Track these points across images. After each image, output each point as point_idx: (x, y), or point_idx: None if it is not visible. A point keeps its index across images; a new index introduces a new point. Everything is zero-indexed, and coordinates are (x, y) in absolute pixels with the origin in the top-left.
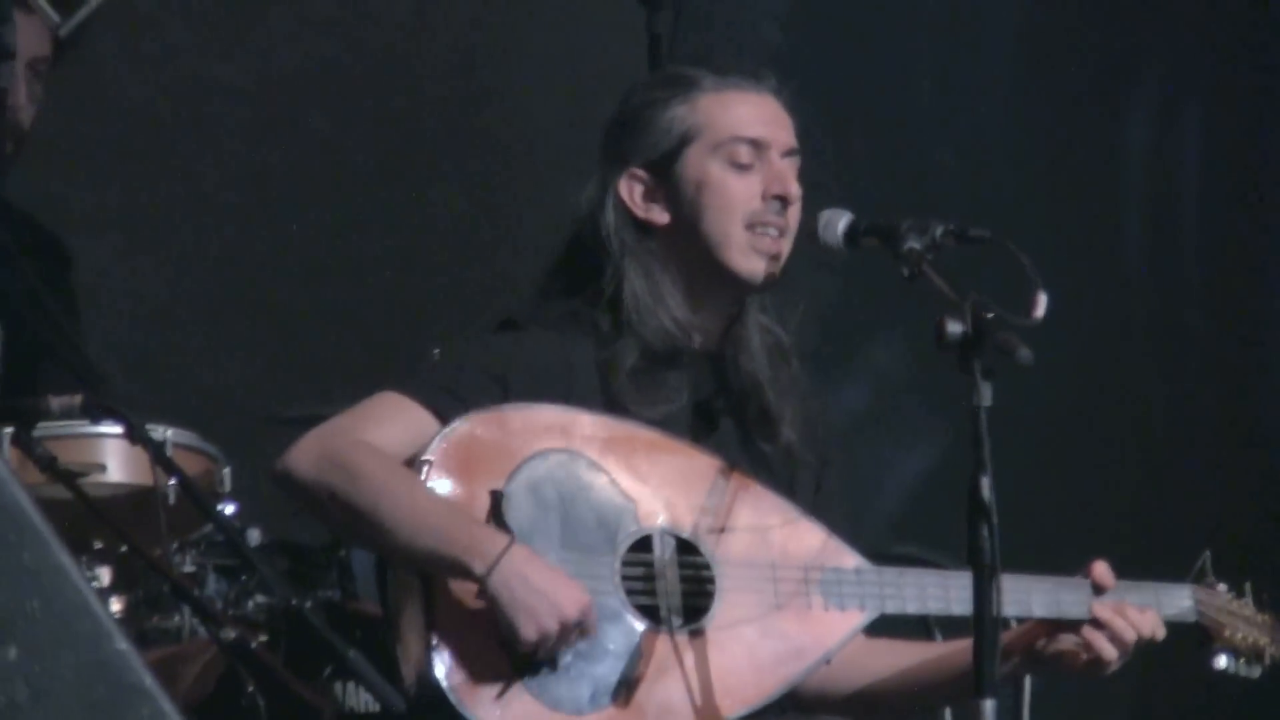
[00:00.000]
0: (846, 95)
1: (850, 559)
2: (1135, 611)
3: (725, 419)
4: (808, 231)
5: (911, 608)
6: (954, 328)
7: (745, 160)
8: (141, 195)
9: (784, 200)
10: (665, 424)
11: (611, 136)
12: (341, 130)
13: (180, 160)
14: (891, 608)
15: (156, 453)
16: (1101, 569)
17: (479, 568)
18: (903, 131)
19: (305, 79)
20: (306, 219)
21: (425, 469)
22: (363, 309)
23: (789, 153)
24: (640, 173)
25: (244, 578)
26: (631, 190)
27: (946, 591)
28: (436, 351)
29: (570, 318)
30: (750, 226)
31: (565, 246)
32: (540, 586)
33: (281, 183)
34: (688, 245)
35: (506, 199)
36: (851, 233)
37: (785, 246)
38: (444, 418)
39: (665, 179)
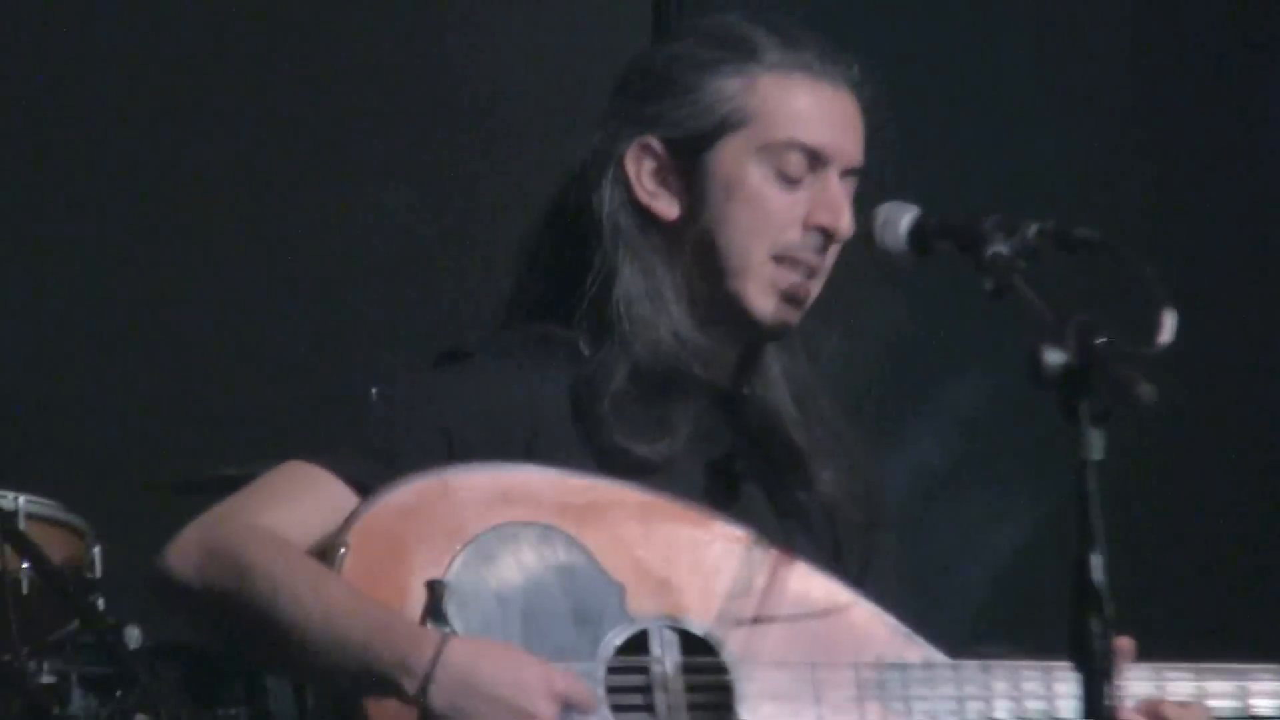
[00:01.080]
0: (914, 67)
1: (915, 650)
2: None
3: (747, 477)
4: (861, 233)
5: (1002, 712)
6: (1054, 358)
7: (796, 173)
8: None
9: (829, 236)
10: (663, 467)
11: (631, 88)
12: (249, 122)
13: (45, 155)
14: (975, 714)
15: (4, 527)
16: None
17: (410, 686)
18: (987, 117)
19: (202, 59)
20: (207, 226)
21: (341, 557)
22: (281, 341)
23: (850, 171)
24: (656, 146)
25: (120, 693)
26: (640, 165)
27: (1049, 686)
28: (375, 392)
29: (539, 341)
30: (779, 259)
31: (544, 220)
32: (496, 690)
33: (174, 181)
34: (695, 256)
35: (468, 204)
36: (919, 233)
37: (813, 290)
38: (366, 490)
39: (687, 166)
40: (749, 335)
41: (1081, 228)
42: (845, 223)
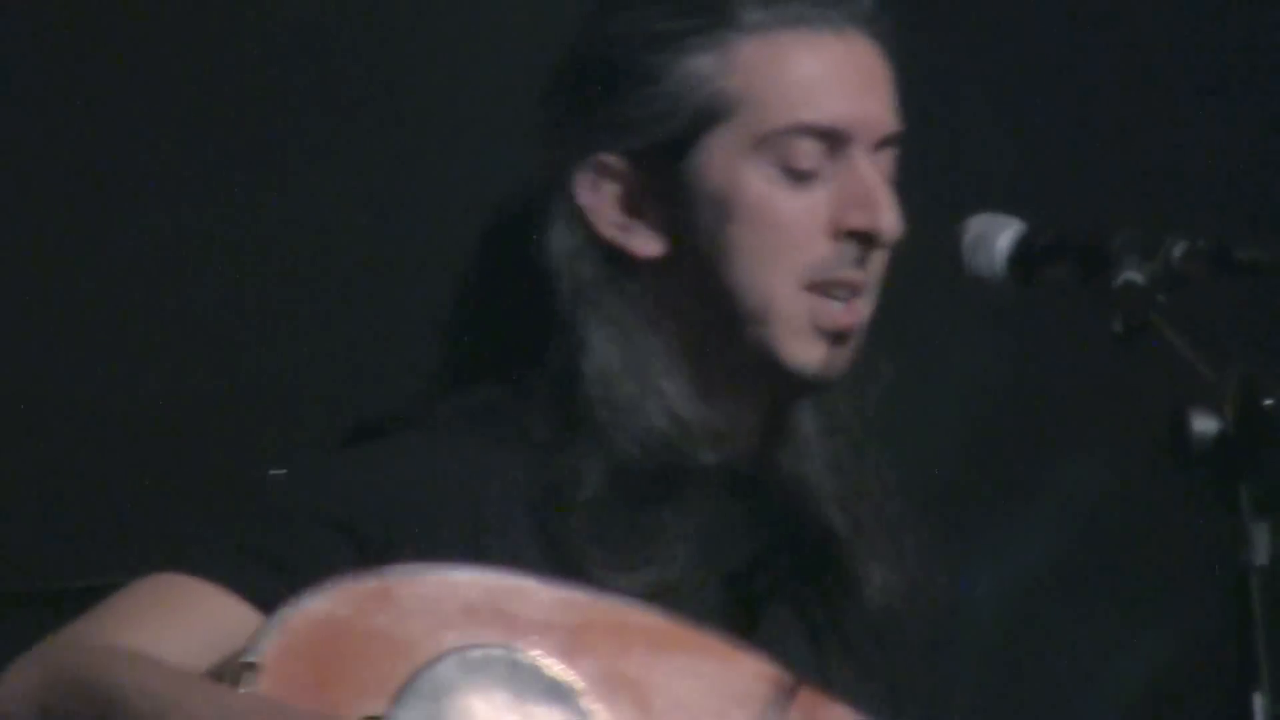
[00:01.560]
0: (982, 36)
1: None
2: None
3: (772, 590)
4: (947, 254)
5: None
6: (1204, 425)
7: (809, 164)
8: None
9: (870, 240)
10: (661, 601)
11: (569, 91)
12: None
13: None
14: None
15: None
16: None
17: None
18: (1082, 106)
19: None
20: (69, 236)
21: (249, 679)
22: (155, 410)
23: (885, 141)
24: (617, 164)
25: None
26: (599, 193)
27: None
28: (272, 478)
29: (482, 416)
30: (812, 286)
31: (479, 266)
32: None
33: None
34: (694, 303)
35: (410, 210)
36: (1022, 255)
37: (864, 313)
38: (262, 603)
39: (662, 183)
40: (783, 395)
41: (1246, 244)
42: (889, 218)
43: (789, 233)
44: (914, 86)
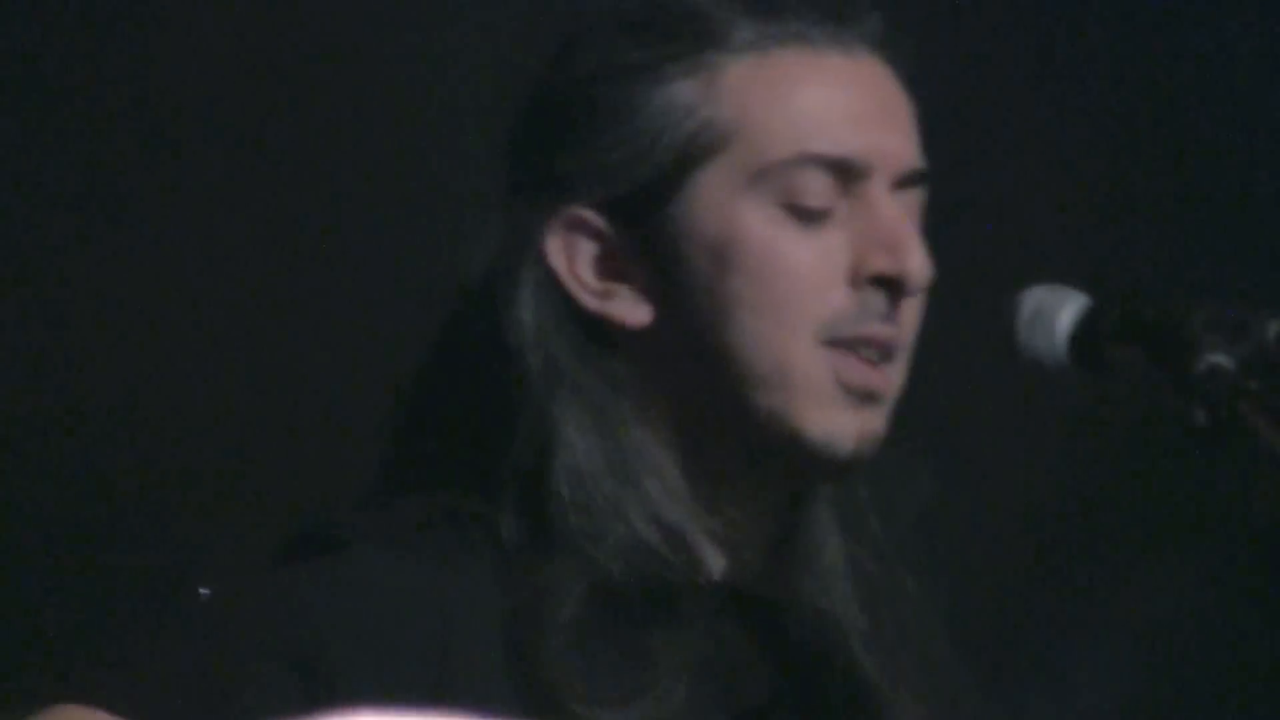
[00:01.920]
0: (1028, 62)
1: None
2: None
3: None
4: (999, 330)
5: None
6: None
7: (818, 202)
8: None
9: (897, 287)
10: None
11: (534, 136)
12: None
13: None
14: None
15: None
16: None
17: None
18: (1155, 150)
19: None
20: None
21: None
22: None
23: (907, 179)
24: (593, 220)
25: None
26: (572, 253)
27: None
28: (204, 595)
29: (445, 523)
30: (833, 343)
31: (437, 348)
32: None
33: None
34: (692, 376)
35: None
36: (1088, 334)
37: (895, 378)
38: None
39: (646, 236)
40: (803, 484)
41: None
42: (917, 259)
43: (801, 281)
44: (945, 125)
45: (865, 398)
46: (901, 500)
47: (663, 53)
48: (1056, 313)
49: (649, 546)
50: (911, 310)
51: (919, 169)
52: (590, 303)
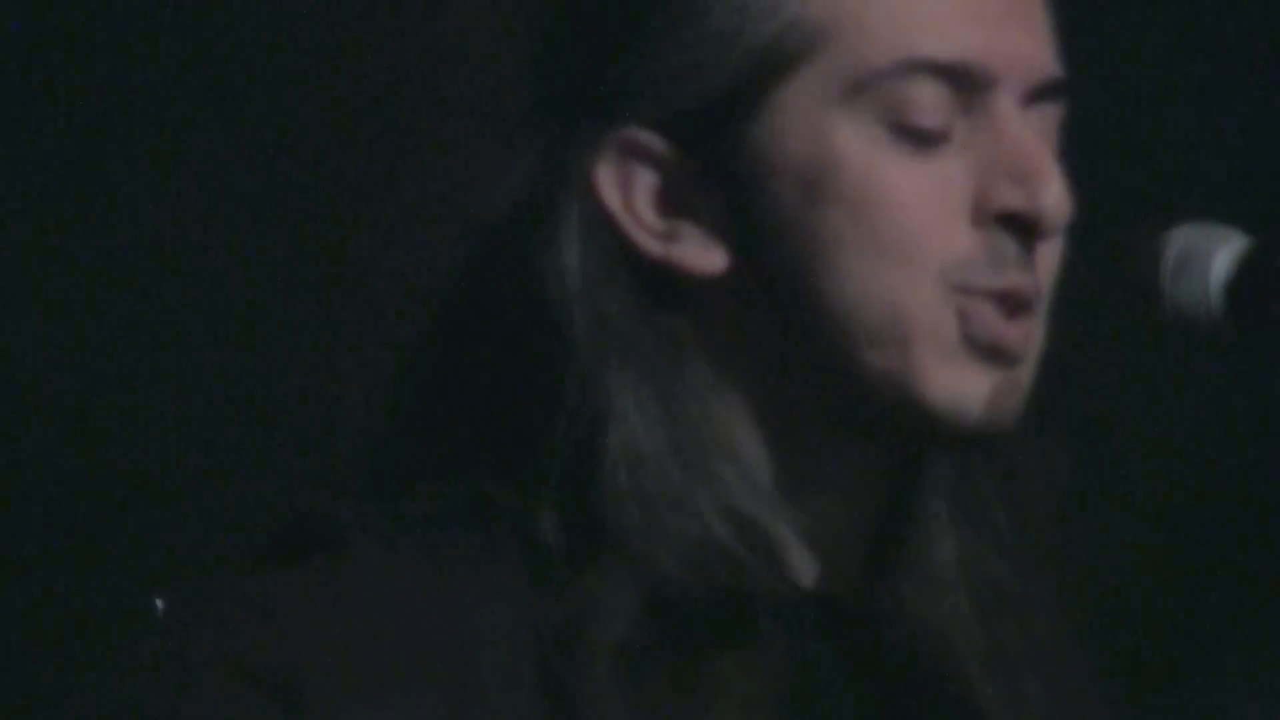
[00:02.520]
0: None
1: None
2: None
3: None
4: (1135, 279)
5: None
6: None
7: (932, 121)
8: None
9: (1031, 227)
10: None
11: (573, 48)
12: None
13: None
14: None
15: None
16: None
17: None
18: None
19: None
20: None
21: None
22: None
23: (1042, 91)
24: (653, 145)
25: None
26: (628, 187)
27: None
28: (160, 606)
29: (468, 520)
30: (960, 288)
31: (455, 306)
32: None
33: None
34: (777, 336)
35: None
36: (1249, 282)
37: (1036, 335)
38: None
39: (717, 161)
40: (921, 454)
41: None
42: (1054, 192)
43: (914, 216)
44: (1081, 33)
45: (1000, 355)
46: (1034, 491)
47: None
48: (1210, 257)
49: (722, 545)
50: (1050, 253)
51: (1056, 78)
52: (651, 246)
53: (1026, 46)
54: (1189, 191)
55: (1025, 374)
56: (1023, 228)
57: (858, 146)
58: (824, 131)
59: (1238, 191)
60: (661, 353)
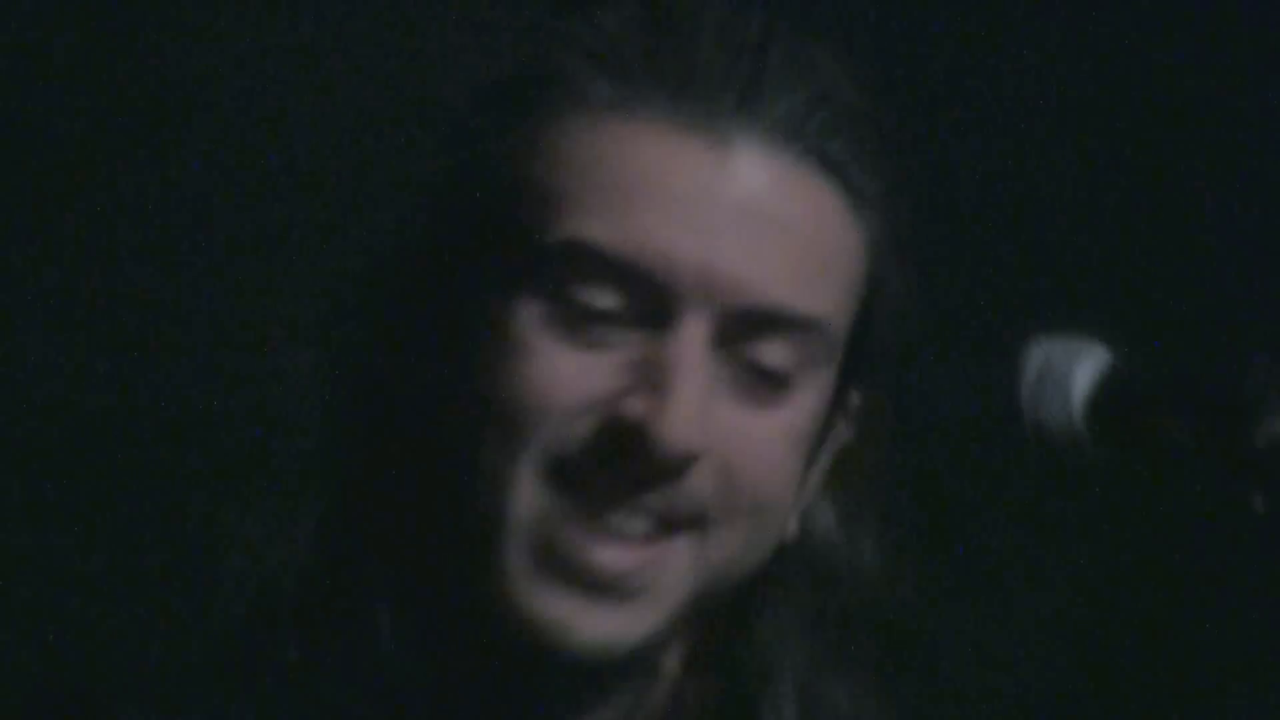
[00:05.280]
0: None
1: None
2: None
3: None
4: (997, 396)
5: None
6: None
7: (602, 303)
8: None
9: (637, 441)
10: None
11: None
12: None
13: None
14: None
15: None
16: None
17: None
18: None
19: None
20: None
21: None
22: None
23: (748, 319)
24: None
25: None
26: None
27: None
28: None
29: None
30: (558, 478)
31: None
32: None
33: None
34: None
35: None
36: (1111, 398)
37: (667, 559)
38: None
39: (438, 301)
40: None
41: None
42: (670, 419)
43: (538, 397)
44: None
45: (591, 580)
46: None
47: (510, 90)
48: (1071, 370)
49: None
50: (699, 483)
51: (770, 308)
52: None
53: (727, 262)
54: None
55: (646, 607)
56: (636, 443)
57: (528, 323)
58: (507, 295)
59: (1101, 295)
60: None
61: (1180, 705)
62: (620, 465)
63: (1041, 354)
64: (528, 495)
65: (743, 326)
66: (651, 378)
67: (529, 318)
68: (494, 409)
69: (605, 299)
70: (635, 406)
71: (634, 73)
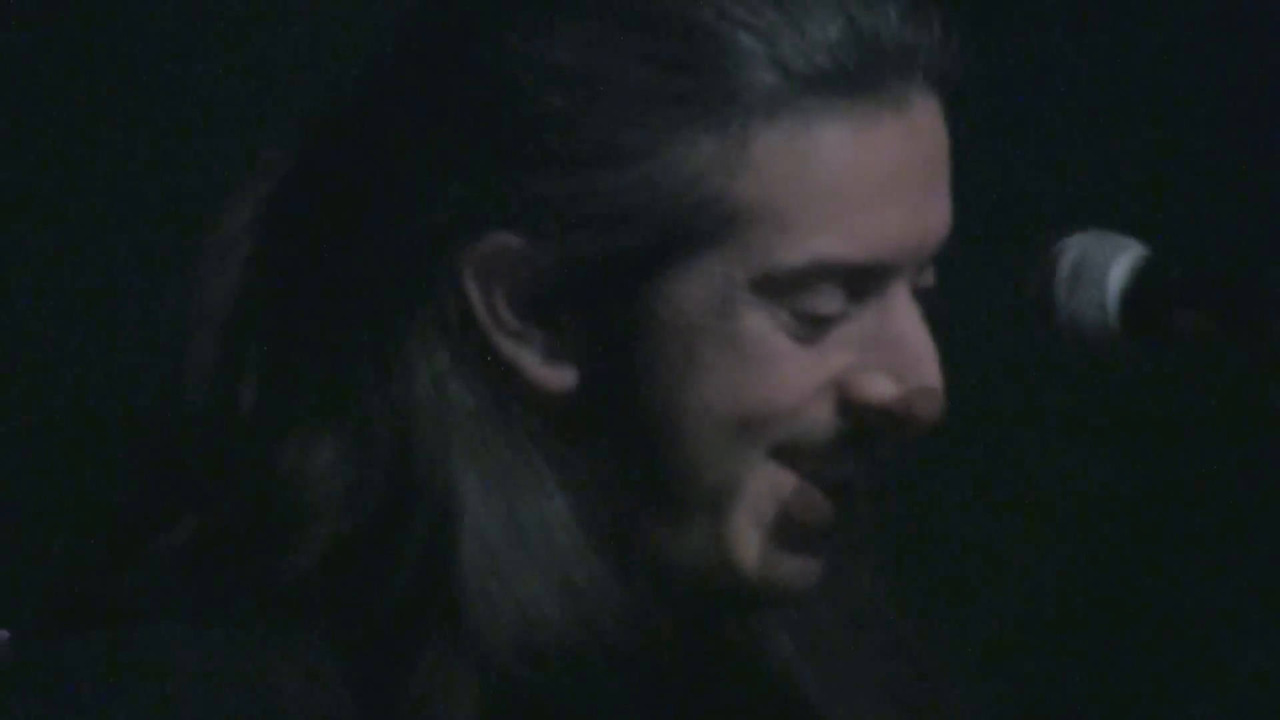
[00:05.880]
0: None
1: None
2: None
3: None
4: (1029, 291)
5: None
6: None
7: (830, 309)
8: None
9: (899, 422)
10: None
11: (466, 134)
12: None
13: None
14: None
15: None
16: None
17: None
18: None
19: None
20: None
21: None
22: None
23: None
24: (526, 248)
25: None
26: (491, 290)
27: None
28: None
29: (284, 605)
30: (791, 466)
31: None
32: None
33: None
34: (617, 468)
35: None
36: (1145, 293)
37: (854, 504)
38: None
39: (594, 300)
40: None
41: None
42: (930, 394)
43: (787, 401)
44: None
45: (815, 534)
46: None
47: (679, 85)
48: (1106, 266)
49: (555, 627)
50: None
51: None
52: (503, 345)
53: (934, 221)
54: (1085, 201)
55: (833, 542)
56: (888, 420)
57: (761, 332)
58: (730, 308)
59: (1135, 200)
60: (507, 445)
61: (1203, 615)
62: (864, 443)
63: (1076, 248)
64: (761, 474)
65: (925, 265)
66: (889, 359)
67: (756, 325)
68: (723, 412)
69: (834, 304)
70: (880, 387)
71: (822, 68)
